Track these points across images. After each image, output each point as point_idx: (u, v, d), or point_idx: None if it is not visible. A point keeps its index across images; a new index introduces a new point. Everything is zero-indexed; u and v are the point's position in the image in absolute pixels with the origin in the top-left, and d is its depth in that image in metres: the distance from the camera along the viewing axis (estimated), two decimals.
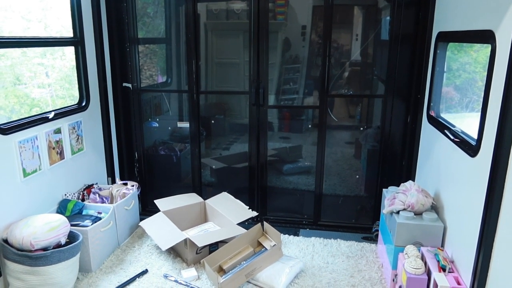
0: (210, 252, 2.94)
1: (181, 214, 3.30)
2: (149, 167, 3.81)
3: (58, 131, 2.96)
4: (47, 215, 2.62)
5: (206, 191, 3.72)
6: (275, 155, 3.68)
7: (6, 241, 2.46)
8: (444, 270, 2.20)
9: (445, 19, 2.66)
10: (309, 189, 3.61)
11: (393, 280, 2.57)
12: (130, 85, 3.56)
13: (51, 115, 2.88)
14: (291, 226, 3.54)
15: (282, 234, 3.03)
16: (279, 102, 3.66)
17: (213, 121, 3.73)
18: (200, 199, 3.48)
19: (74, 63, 3.25)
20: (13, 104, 4.09)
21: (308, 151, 3.67)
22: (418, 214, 2.55)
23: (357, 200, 3.59)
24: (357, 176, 3.57)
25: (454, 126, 2.48)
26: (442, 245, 2.46)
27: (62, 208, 2.98)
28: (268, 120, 3.49)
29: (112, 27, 3.45)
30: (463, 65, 3.24)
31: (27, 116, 2.79)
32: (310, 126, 3.63)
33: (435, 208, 2.61)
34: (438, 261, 2.26)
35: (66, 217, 2.68)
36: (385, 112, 3.27)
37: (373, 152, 3.44)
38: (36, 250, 2.42)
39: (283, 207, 3.69)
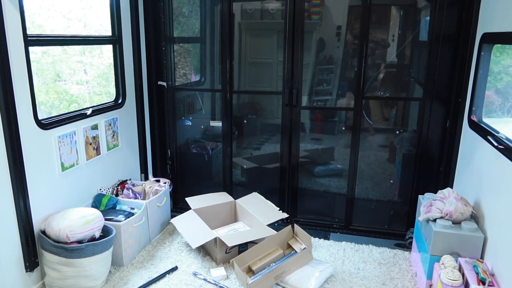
0: (240, 252, 2.93)
1: (212, 212, 3.32)
2: (181, 165, 3.86)
3: (95, 127, 3.04)
4: (83, 208, 2.69)
5: (236, 191, 3.72)
6: (306, 156, 3.63)
7: (44, 232, 2.54)
8: (483, 283, 2.09)
9: (491, 19, 2.54)
10: (341, 192, 3.54)
11: None
12: (165, 84, 3.61)
13: (89, 112, 2.96)
14: (321, 230, 3.49)
15: (312, 237, 2.99)
16: (311, 103, 3.62)
17: (245, 121, 3.73)
18: (230, 198, 3.48)
19: (111, 61, 3.33)
20: (53, 99, 4.24)
21: (341, 154, 3.61)
22: (456, 223, 2.45)
23: (390, 205, 3.50)
24: (391, 181, 3.47)
25: (498, 132, 2.36)
26: (482, 257, 2.35)
27: (97, 203, 3.06)
28: (301, 121, 3.45)
29: (149, 26, 3.50)
30: (505, 68, 3.09)
31: (66, 112, 2.88)
32: (343, 128, 3.57)
33: (475, 217, 2.50)
34: (477, 274, 2.16)
35: (101, 211, 2.75)
36: (422, 116, 3.16)
37: (408, 157, 3.34)
38: (71, 242, 2.49)
39: (314, 209, 3.64)
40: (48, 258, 2.50)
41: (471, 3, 2.77)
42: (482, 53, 2.62)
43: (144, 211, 3.07)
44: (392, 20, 3.29)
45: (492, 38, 2.51)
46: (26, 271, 2.49)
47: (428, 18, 3.05)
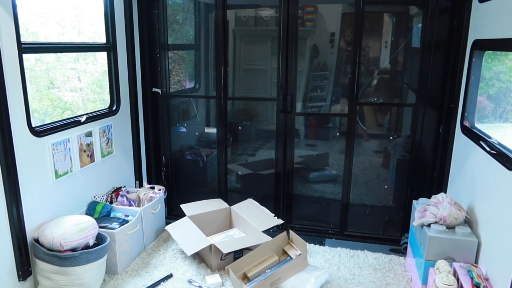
0: (235, 259, 2.92)
1: (207, 219, 3.31)
2: (176, 171, 3.85)
3: (89, 134, 3.03)
4: (77, 216, 2.67)
5: (231, 197, 3.72)
6: (301, 162, 3.64)
7: (37, 240, 2.52)
8: None
9: (482, 26, 2.57)
10: (336, 198, 3.55)
11: None
12: (159, 90, 3.61)
13: (83, 119, 2.95)
14: (316, 235, 3.49)
15: (307, 243, 2.99)
16: (306, 109, 3.64)
17: (240, 127, 3.74)
18: (225, 205, 3.47)
19: (105, 68, 3.33)
20: (47, 107, 4.23)
21: (335, 159, 3.62)
22: (451, 228, 2.46)
23: (385, 210, 3.51)
24: (386, 186, 3.49)
25: (490, 137, 2.39)
26: (476, 262, 2.36)
27: (91, 210, 3.04)
28: (295, 127, 3.46)
29: (143, 33, 3.51)
30: (497, 74, 3.13)
31: (59, 119, 2.87)
32: (338, 134, 3.58)
33: (469, 222, 2.52)
34: (472, 278, 2.17)
35: (95, 219, 2.73)
36: (416, 121, 3.18)
37: (402, 162, 3.36)
38: (65, 250, 2.46)
39: (309, 215, 3.65)
40: (41, 267, 2.47)
41: (462, 10, 2.81)
42: (474, 60, 2.66)
43: (138, 218, 3.05)
44: (385, 27, 3.33)
45: (483, 45, 2.54)
46: (19, 280, 2.46)
47: (420, 25, 3.09)
